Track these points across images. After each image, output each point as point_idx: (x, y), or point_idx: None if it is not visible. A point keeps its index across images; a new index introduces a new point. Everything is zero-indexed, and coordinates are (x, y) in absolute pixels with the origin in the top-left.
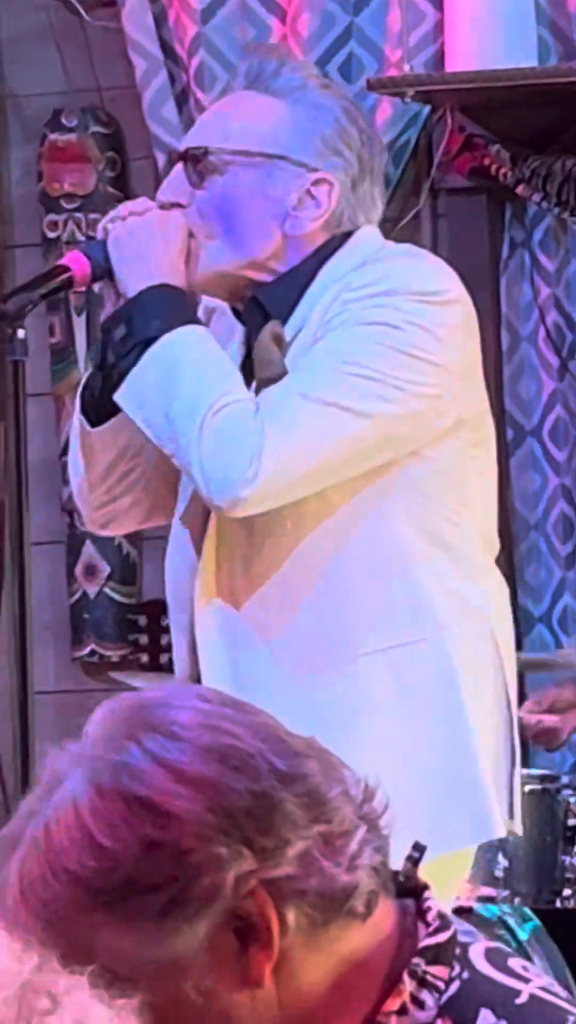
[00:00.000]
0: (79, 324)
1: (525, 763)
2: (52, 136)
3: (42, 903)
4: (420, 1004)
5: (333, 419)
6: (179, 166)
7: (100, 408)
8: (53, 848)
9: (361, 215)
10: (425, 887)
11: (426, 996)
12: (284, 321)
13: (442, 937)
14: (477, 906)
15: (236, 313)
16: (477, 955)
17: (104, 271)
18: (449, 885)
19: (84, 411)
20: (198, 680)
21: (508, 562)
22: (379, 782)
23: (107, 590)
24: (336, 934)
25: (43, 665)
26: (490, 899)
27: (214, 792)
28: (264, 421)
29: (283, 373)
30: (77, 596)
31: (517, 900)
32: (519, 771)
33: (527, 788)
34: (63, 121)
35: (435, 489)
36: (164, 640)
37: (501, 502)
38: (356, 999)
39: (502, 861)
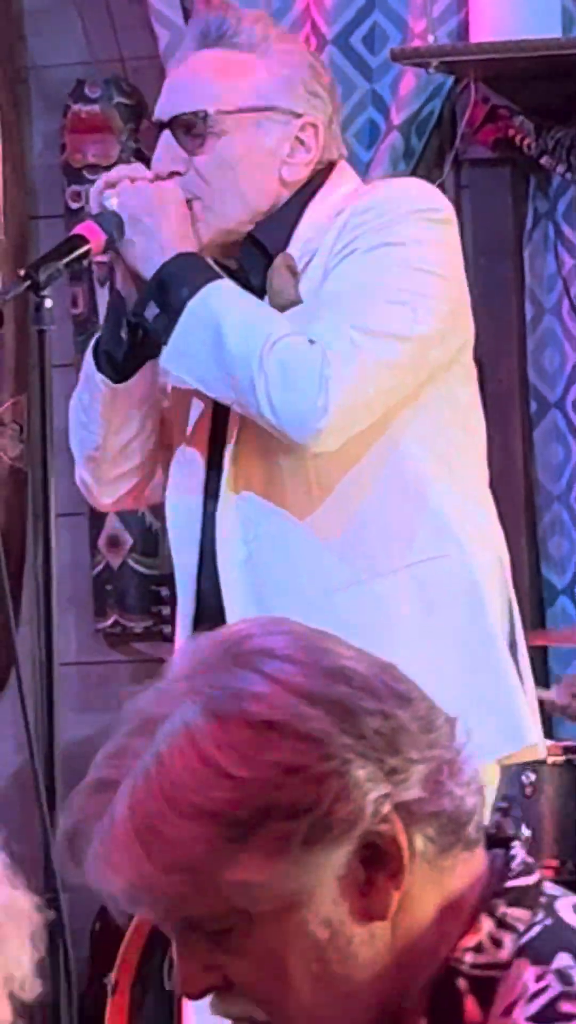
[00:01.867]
0: (102, 295)
1: (548, 734)
2: (75, 107)
3: (163, 841)
4: (497, 943)
5: (383, 346)
6: (166, 134)
7: (121, 369)
8: (172, 783)
9: (335, 149)
10: (514, 838)
11: (504, 936)
12: (279, 253)
13: (525, 881)
14: None
15: (223, 270)
16: (565, 906)
17: (116, 240)
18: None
19: (101, 371)
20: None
21: (531, 534)
22: (458, 714)
23: (130, 562)
24: (451, 864)
25: (66, 637)
26: None
27: (346, 713)
28: (323, 350)
29: (297, 300)
30: (100, 568)
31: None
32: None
33: (550, 760)
34: (86, 92)
35: (444, 416)
36: None
37: (524, 474)
38: (447, 940)
39: (525, 831)
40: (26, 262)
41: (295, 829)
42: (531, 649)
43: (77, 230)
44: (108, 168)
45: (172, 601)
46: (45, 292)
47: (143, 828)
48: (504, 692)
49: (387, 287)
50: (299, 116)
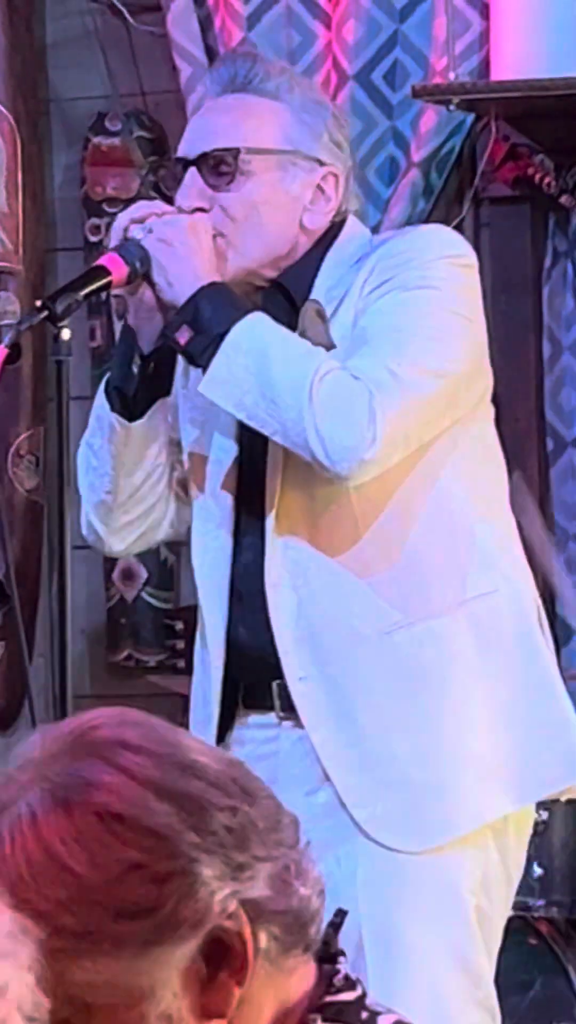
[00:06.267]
0: (120, 328)
1: None
2: (95, 140)
3: None
4: None
5: (421, 381)
6: (192, 171)
7: (132, 406)
8: (13, 873)
9: (349, 205)
10: (341, 953)
11: None
12: (303, 300)
13: (345, 996)
14: None
15: None
16: (385, 1022)
17: (139, 273)
18: (521, 839)
19: (115, 410)
20: (235, 683)
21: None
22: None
23: (144, 595)
24: (292, 965)
25: (80, 669)
26: (525, 907)
27: (196, 808)
28: (368, 385)
29: (331, 345)
30: (114, 601)
31: (554, 909)
32: None
33: (564, 797)
34: (107, 125)
35: (478, 455)
36: None
37: (540, 513)
38: None
39: (537, 870)
40: (44, 294)
41: (138, 929)
42: None
43: (100, 261)
44: (128, 201)
45: (186, 635)
46: (63, 323)
47: None
48: (564, 724)
49: (424, 326)
50: (323, 165)
